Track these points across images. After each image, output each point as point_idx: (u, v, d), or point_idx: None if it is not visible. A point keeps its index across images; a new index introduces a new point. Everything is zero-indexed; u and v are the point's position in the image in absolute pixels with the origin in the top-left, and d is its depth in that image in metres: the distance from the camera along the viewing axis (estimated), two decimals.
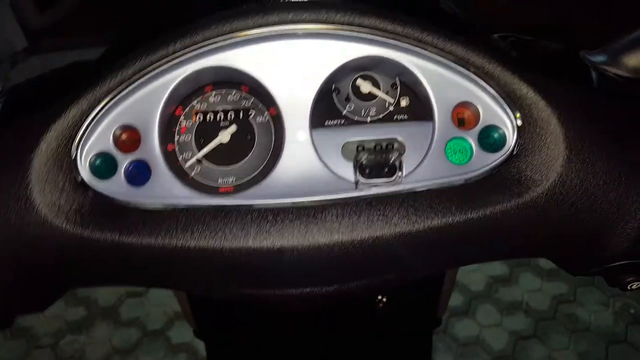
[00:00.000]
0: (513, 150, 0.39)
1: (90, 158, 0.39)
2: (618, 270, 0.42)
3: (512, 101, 0.38)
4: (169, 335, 1.57)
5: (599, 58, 0.43)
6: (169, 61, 0.38)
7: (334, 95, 0.42)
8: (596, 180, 0.37)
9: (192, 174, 0.41)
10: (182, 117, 0.41)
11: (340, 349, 0.90)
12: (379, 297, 0.75)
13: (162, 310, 1.62)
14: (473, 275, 1.70)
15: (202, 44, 0.38)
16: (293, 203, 0.39)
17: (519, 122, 0.38)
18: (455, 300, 1.63)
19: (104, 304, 1.65)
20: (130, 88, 0.38)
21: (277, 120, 0.41)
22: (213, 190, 0.40)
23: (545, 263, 1.73)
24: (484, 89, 0.39)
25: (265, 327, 0.85)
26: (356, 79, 0.42)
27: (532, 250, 0.45)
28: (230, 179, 0.41)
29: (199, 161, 0.41)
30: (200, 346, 1.56)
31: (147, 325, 1.59)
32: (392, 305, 0.78)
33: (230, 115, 0.41)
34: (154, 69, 0.38)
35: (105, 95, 0.38)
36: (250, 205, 0.39)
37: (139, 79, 0.38)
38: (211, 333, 0.93)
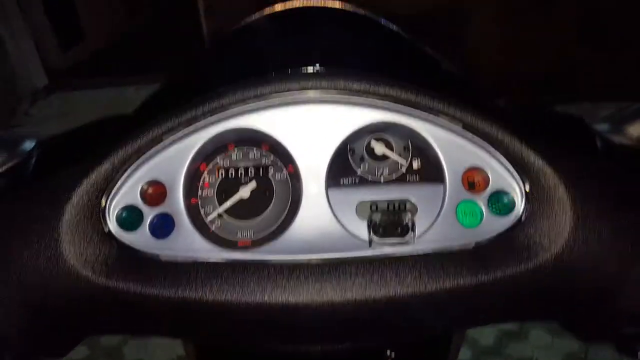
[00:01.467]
0: (522, 215, 0.40)
1: (118, 211, 0.41)
2: (628, 337, 0.42)
3: (520, 168, 0.40)
4: None
5: (604, 127, 0.45)
6: (198, 122, 0.41)
7: (349, 155, 0.44)
8: (603, 247, 0.38)
9: (213, 227, 0.42)
10: (205, 173, 0.43)
11: None
12: (388, 353, 0.74)
13: (166, 353, 1.60)
14: (482, 329, 1.67)
15: (228, 107, 0.41)
16: (308, 260, 0.40)
17: (527, 189, 0.40)
18: (464, 354, 1.60)
19: (107, 344, 1.63)
20: (160, 146, 0.41)
21: (295, 177, 0.43)
22: (232, 244, 0.42)
23: None
24: (493, 155, 0.41)
25: None
26: (370, 140, 0.44)
27: (542, 314, 0.45)
28: (249, 233, 0.42)
29: (219, 215, 0.43)
30: None
31: None
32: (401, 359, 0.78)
33: (251, 172, 0.44)
34: (183, 129, 0.41)
35: (137, 152, 0.40)
36: (267, 261, 0.40)
37: (169, 138, 0.41)
38: None
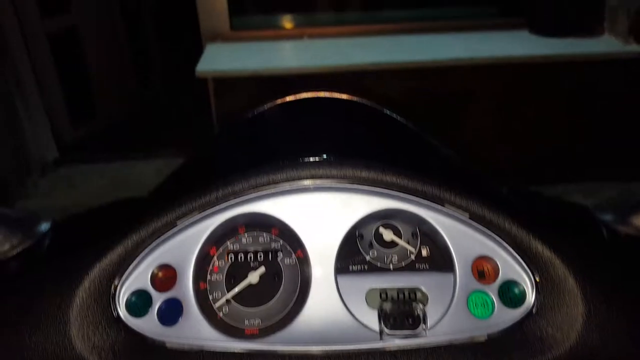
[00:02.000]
0: (533, 307, 0.40)
1: (128, 295, 0.41)
2: None
3: (528, 258, 0.41)
4: None
5: (609, 216, 0.46)
6: (210, 208, 0.42)
7: (357, 241, 0.45)
8: (617, 339, 0.38)
9: (221, 314, 0.42)
10: (215, 257, 0.44)
11: None
12: None
13: None
14: None
15: (241, 194, 0.42)
16: (317, 351, 0.39)
17: (537, 279, 0.40)
18: None
19: None
20: (172, 231, 0.42)
21: (304, 262, 0.43)
22: (239, 332, 0.41)
23: None
24: (501, 245, 0.42)
25: None
26: (379, 226, 0.45)
27: None
28: (257, 321, 0.42)
29: (227, 301, 0.42)
30: None
31: None
32: None
33: (260, 256, 0.44)
34: (195, 215, 0.42)
35: (150, 237, 0.41)
36: (275, 351, 0.40)
37: (181, 223, 0.42)
38: None
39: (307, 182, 0.43)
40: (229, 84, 2.23)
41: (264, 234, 0.45)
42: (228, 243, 0.45)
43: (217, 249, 0.44)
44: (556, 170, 2.52)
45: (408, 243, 0.45)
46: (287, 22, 2.57)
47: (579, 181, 2.51)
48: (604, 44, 2.26)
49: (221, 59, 2.25)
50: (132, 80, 3.54)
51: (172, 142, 3.09)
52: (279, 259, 0.44)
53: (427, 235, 0.44)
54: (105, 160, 2.96)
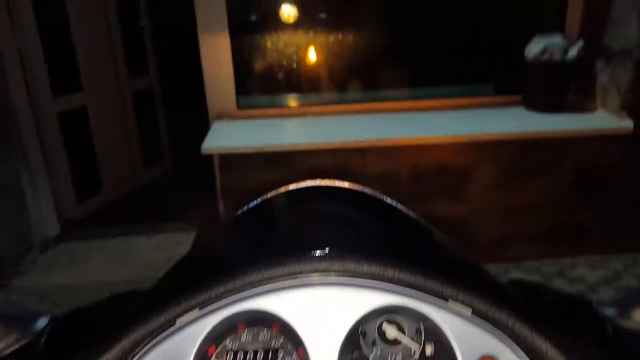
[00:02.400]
0: None
1: None
2: None
3: (533, 357, 0.40)
4: None
5: (611, 312, 0.45)
6: (210, 305, 0.42)
7: (360, 338, 0.44)
8: None
9: None
10: (214, 357, 0.43)
11: None
12: None
13: None
14: None
15: (240, 290, 0.42)
16: None
17: None
18: None
19: None
20: (171, 330, 0.41)
21: None
22: None
23: None
24: (505, 343, 0.41)
25: None
26: (382, 322, 0.44)
27: None
28: None
29: None
30: None
31: None
32: None
33: (260, 355, 0.43)
34: (195, 312, 0.41)
35: (148, 336, 0.41)
36: None
37: (180, 321, 0.41)
38: None
39: (308, 278, 0.43)
40: (233, 159, 2.28)
41: (265, 331, 0.44)
42: (227, 341, 0.44)
43: (216, 348, 0.43)
44: (558, 244, 2.50)
45: (412, 340, 0.44)
46: (291, 101, 2.67)
47: (582, 254, 2.48)
48: (598, 119, 2.33)
49: (227, 136, 2.32)
50: (139, 156, 3.62)
51: (174, 217, 3.11)
52: (279, 358, 0.43)
53: (431, 332, 0.44)
54: (107, 236, 2.96)
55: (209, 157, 2.26)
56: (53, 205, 2.96)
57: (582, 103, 2.49)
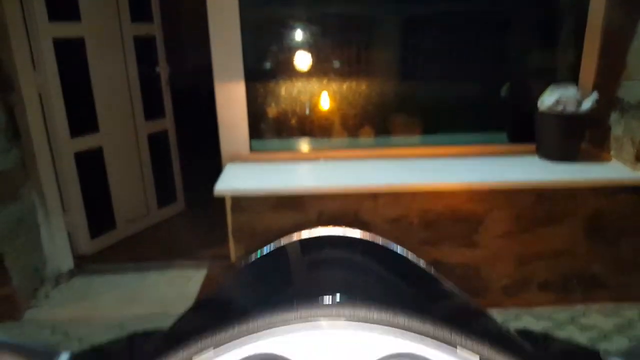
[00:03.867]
0: None
1: None
2: None
3: None
4: None
5: None
6: (225, 344, 0.43)
7: None
8: None
9: None
10: None
11: None
12: None
13: None
14: None
15: (255, 332, 0.43)
16: None
17: None
18: None
19: None
20: None
21: None
22: None
23: None
24: None
25: None
26: None
27: None
28: None
29: None
30: None
31: None
32: None
33: None
34: (209, 353, 0.43)
35: None
36: None
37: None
38: None
39: (319, 322, 0.43)
40: (245, 202, 2.31)
41: None
42: None
43: None
44: (570, 291, 2.45)
45: None
46: (304, 145, 2.72)
47: (595, 302, 2.43)
48: (612, 170, 2.33)
49: (239, 178, 2.36)
50: (153, 197, 3.67)
51: (186, 255, 3.13)
52: None
53: None
54: (119, 271, 2.98)
55: (221, 199, 2.30)
56: (67, 241, 3.00)
57: (596, 153, 2.49)
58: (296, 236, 0.72)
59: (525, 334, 0.51)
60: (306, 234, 0.71)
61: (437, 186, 2.27)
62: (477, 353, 0.42)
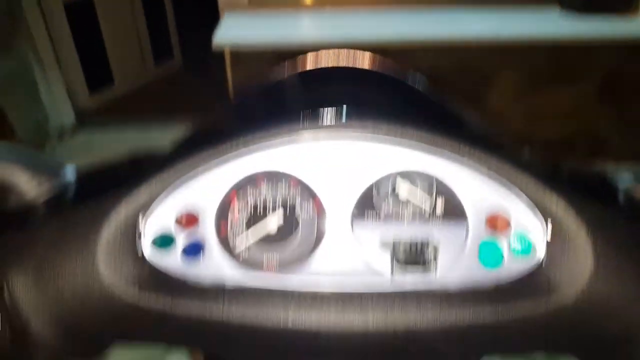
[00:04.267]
0: (543, 259, 0.41)
1: (152, 235, 0.43)
2: None
3: (542, 213, 0.42)
4: None
5: (626, 180, 0.47)
6: (231, 155, 0.43)
7: (374, 194, 0.46)
8: (624, 291, 0.39)
9: (241, 257, 0.44)
10: (235, 206, 0.46)
11: None
12: None
13: None
14: None
15: (261, 142, 0.43)
16: (329, 293, 0.42)
17: (549, 232, 0.41)
18: None
19: None
20: (194, 178, 0.43)
21: (321, 213, 0.45)
22: (258, 272, 0.43)
23: None
24: (516, 199, 0.43)
25: None
26: (396, 179, 0.46)
27: (559, 348, 0.46)
28: (275, 264, 0.44)
29: (247, 247, 0.44)
30: None
31: None
32: None
33: (278, 206, 0.46)
34: (217, 161, 0.43)
35: (172, 183, 0.43)
36: (291, 292, 0.42)
37: (203, 172, 0.43)
38: None
39: (326, 134, 0.43)
40: (245, 56, 2.22)
41: (283, 185, 0.46)
42: (248, 192, 0.46)
43: (237, 198, 0.46)
44: (575, 150, 2.49)
45: (424, 197, 0.46)
46: None
47: (599, 160, 2.47)
48: (638, 26, 2.19)
49: (238, 31, 2.24)
50: (148, 52, 3.55)
51: (189, 111, 3.12)
52: (296, 210, 0.46)
53: (443, 189, 0.46)
54: (122, 127, 3.01)
55: (221, 55, 2.21)
56: (66, 96, 2.98)
57: (623, 6, 2.33)
58: (300, 63, 0.69)
59: (537, 154, 0.52)
60: (310, 60, 0.68)
61: (448, 41, 2.16)
62: (485, 163, 0.42)
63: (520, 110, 2.37)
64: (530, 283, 0.41)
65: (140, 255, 0.42)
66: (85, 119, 3.08)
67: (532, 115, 2.39)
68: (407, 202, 0.46)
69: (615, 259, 0.40)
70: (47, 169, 0.48)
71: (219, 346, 0.46)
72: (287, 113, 0.47)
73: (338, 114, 0.45)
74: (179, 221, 0.44)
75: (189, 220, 0.44)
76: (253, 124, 0.47)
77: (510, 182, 0.42)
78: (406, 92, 0.66)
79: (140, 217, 0.43)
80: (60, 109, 2.95)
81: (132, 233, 0.42)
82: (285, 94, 0.63)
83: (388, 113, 0.52)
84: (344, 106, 0.46)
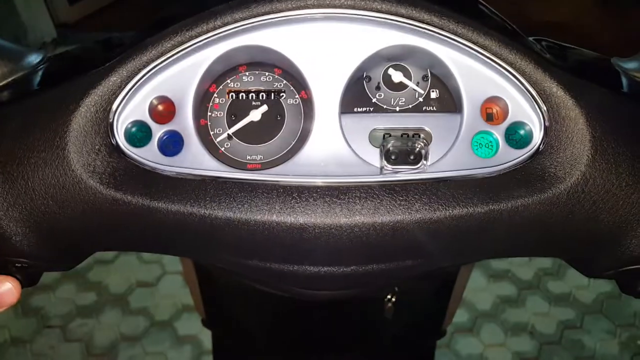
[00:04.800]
0: (539, 147, 0.39)
1: (127, 125, 0.40)
2: (633, 274, 0.42)
3: (541, 99, 0.39)
4: (176, 326, 1.58)
5: (631, 65, 0.44)
6: (207, 38, 0.39)
7: (364, 82, 0.43)
8: (619, 181, 0.38)
9: (222, 148, 0.42)
10: (215, 94, 0.43)
11: (343, 347, 0.90)
12: (389, 297, 0.75)
13: (170, 301, 1.63)
14: (481, 294, 1.69)
15: (239, 22, 0.39)
16: (318, 183, 0.39)
17: (547, 120, 0.39)
18: (461, 317, 1.62)
19: (114, 291, 1.66)
20: (168, 61, 0.40)
21: (308, 103, 0.42)
22: (241, 166, 0.41)
23: (554, 287, 1.71)
24: (515, 85, 0.40)
25: (272, 319, 0.85)
26: (388, 68, 0.43)
27: (549, 248, 0.45)
28: (259, 157, 0.42)
29: (229, 137, 0.42)
30: (206, 339, 1.57)
31: (155, 316, 1.60)
32: (400, 308, 0.78)
33: (262, 96, 0.43)
34: (192, 45, 0.39)
35: (145, 66, 0.39)
36: (276, 182, 0.40)
37: (177, 53, 0.39)
38: (219, 323, 0.93)
39: (313, 12, 0.39)
40: None
41: (266, 74, 0.43)
42: (228, 81, 0.43)
43: (217, 87, 0.43)
44: None
45: (417, 85, 0.43)
46: None
47: None
48: None
49: None
50: None
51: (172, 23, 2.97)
52: (281, 99, 0.43)
53: (438, 77, 0.43)
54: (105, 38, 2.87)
55: None
56: (44, 7, 2.81)
57: None
58: None
59: (541, 41, 0.48)
60: None
61: None
62: (484, 46, 0.39)
63: (515, 21, 2.27)
64: (524, 172, 0.39)
65: (114, 145, 0.39)
66: (66, 33, 2.93)
67: (528, 28, 2.29)
68: (400, 90, 0.43)
69: (613, 147, 0.38)
70: (8, 53, 0.44)
71: (202, 245, 0.44)
72: None
73: None
74: (154, 110, 0.41)
75: (166, 110, 0.41)
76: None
77: (509, 67, 0.39)
78: None
79: (112, 104, 0.39)
80: (39, 22, 2.80)
81: (104, 122, 0.39)
82: None
83: None
84: None
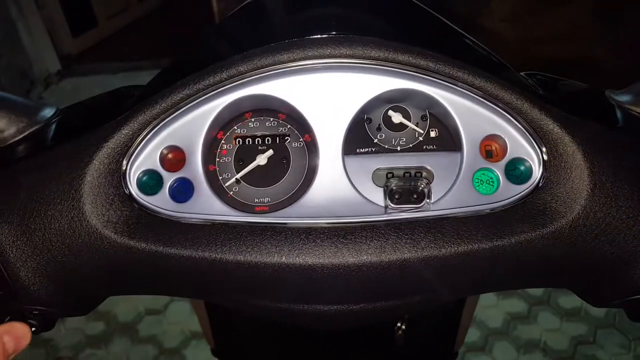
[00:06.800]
0: (539, 182, 0.40)
1: (139, 174, 0.41)
2: (638, 302, 0.42)
3: (538, 136, 0.40)
4: (185, 354, 1.57)
5: (624, 98, 0.45)
6: (215, 89, 0.41)
7: (366, 124, 0.44)
8: (619, 214, 0.39)
9: (231, 192, 0.43)
10: (223, 141, 0.44)
11: None
12: (398, 324, 0.75)
13: (179, 328, 1.63)
14: (491, 312, 1.68)
15: (245, 75, 0.41)
16: (325, 224, 0.41)
17: (545, 157, 0.40)
18: (472, 335, 1.61)
19: (123, 319, 1.67)
20: (178, 112, 0.41)
21: (312, 146, 0.43)
22: (249, 209, 0.42)
23: (565, 302, 1.70)
24: (512, 123, 0.41)
25: (283, 349, 0.85)
26: (388, 110, 0.44)
27: (554, 280, 0.46)
28: (266, 200, 0.43)
29: (237, 181, 0.43)
30: None
31: (164, 343, 1.60)
32: (411, 334, 0.79)
33: (268, 140, 0.44)
34: (200, 96, 0.41)
35: (156, 118, 0.41)
36: (284, 224, 0.41)
37: (186, 104, 0.41)
38: (229, 353, 0.93)
39: (314, 62, 0.41)
40: None
41: (271, 119, 0.44)
42: (235, 127, 0.44)
43: (225, 133, 0.44)
44: (574, 75, 2.44)
45: (417, 125, 0.44)
46: None
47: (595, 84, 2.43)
48: None
49: None
50: None
51: (173, 51, 3.01)
52: (286, 143, 0.44)
53: (437, 117, 0.44)
54: (109, 71, 2.92)
55: None
56: (49, 40, 2.87)
57: None
58: None
59: (534, 76, 0.49)
60: None
61: None
62: (479, 88, 0.40)
63: (514, 37, 2.29)
64: (526, 207, 0.40)
65: (127, 194, 0.41)
66: (70, 64, 2.99)
67: (528, 39, 2.31)
68: (400, 130, 0.44)
69: (612, 181, 0.39)
70: (22, 108, 0.45)
71: (214, 288, 0.45)
72: (271, 38, 0.43)
73: (327, 38, 0.42)
74: (164, 158, 0.42)
75: (176, 158, 0.42)
76: (236, 45, 0.44)
77: (505, 107, 0.40)
78: (403, 10, 0.62)
79: (124, 155, 0.41)
80: (44, 55, 2.85)
81: (117, 173, 0.41)
82: (269, 14, 0.59)
83: (378, 30, 0.49)
84: (333, 32, 0.43)
